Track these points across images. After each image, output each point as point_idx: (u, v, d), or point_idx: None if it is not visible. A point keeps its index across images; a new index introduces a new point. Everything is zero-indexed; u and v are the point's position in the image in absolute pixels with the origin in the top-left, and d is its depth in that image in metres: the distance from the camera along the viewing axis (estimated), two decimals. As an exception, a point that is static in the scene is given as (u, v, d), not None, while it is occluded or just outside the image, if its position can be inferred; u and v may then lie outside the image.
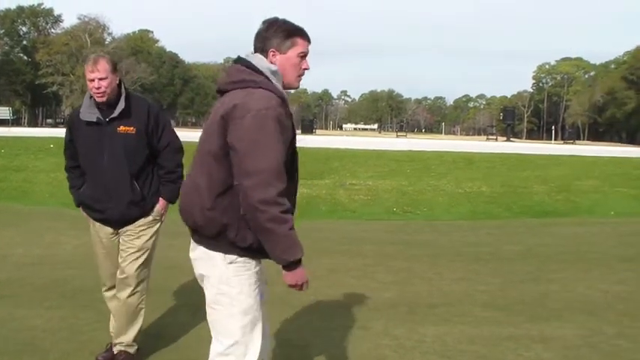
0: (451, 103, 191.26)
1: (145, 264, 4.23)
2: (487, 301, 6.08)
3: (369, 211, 13.18)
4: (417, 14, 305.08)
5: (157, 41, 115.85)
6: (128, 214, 4.12)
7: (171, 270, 6.16)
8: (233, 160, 2.68)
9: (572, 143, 45.03)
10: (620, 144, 64.27)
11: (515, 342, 4.88)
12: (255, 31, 2.93)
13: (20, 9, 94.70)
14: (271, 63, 2.84)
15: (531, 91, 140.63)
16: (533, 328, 5.24)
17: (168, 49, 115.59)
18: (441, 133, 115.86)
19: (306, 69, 2.96)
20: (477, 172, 18.17)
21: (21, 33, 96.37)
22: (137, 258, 4.18)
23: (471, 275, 7.21)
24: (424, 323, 5.35)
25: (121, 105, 4.05)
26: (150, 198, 4.17)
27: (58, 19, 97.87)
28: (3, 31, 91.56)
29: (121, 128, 4.04)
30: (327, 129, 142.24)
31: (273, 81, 2.81)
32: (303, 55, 2.92)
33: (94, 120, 4.04)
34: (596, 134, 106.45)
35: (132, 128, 4.06)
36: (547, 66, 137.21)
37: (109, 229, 4.20)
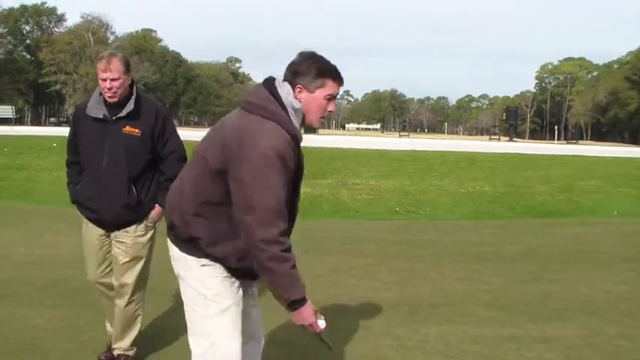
0: (454, 103, 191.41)
1: (142, 272, 4.16)
2: (489, 301, 6.07)
3: (371, 211, 13.16)
4: (420, 14, 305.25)
5: (160, 40, 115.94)
6: (122, 217, 4.02)
7: (171, 273, 6.16)
8: (234, 192, 2.65)
9: (575, 143, 45.01)
10: (622, 144, 64.24)
11: (518, 342, 4.88)
12: (291, 60, 2.84)
13: (23, 8, 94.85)
14: (296, 98, 2.77)
15: (534, 91, 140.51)
16: (535, 328, 5.23)
17: (171, 49, 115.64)
18: (444, 133, 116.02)
19: (331, 111, 2.89)
20: (480, 172, 18.14)
21: (24, 32, 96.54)
22: (134, 267, 4.11)
23: (473, 275, 7.20)
24: (426, 323, 5.35)
25: (130, 106, 3.98)
26: (146, 204, 4.08)
27: (61, 18, 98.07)
28: (6, 30, 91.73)
29: (127, 129, 3.97)
30: (329, 129, 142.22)
31: (293, 118, 2.75)
32: (331, 98, 2.84)
33: (101, 117, 3.98)
34: (599, 134, 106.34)
35: (137, 130, 3.97)
36: (550, 66, 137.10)
37: (101, 230, 4.12)
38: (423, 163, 19.72)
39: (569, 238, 10.38)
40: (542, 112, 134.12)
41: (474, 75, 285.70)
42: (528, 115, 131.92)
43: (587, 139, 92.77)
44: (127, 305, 4.15)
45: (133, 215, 4.04)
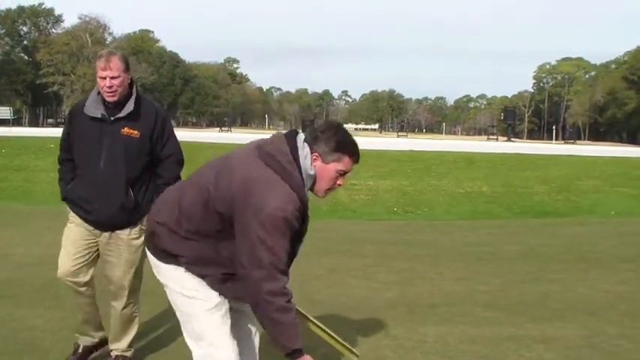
0: (452, 103, 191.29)
1: (137, 274, 4.10)
2: (488, 301, 6.07)
3: (369, 211, 13.17)
4: (418, 14, 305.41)
5: (158, 41, 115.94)
6: (117, 219, 3.94)
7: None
8: (240, 243, 2.69)
9: (573, 143, 45.04)
10: (620, 144, 64.29)
11: (517, 342, 4.88)
12: (318, 125, 2.88)
13: (21, 9, 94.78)
14: (311, 165, 2.78)
15: (532, 91, 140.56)
16: (534, 328, 5.23)
17: (168, 49, 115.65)
18: (442, 133, 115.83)
19: (340, 185, 2.90)
20: (478, 172, 18.15)
21: (22, 33, 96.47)
22: (128, 271, 4.05)
23: (471, 275, 7.20)
24: (425, 323, 5.35)
25: (130, 106, 3.90)
26: (143, 207, 3.96)
27: (58, 19, 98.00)
28: (4, 31, 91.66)
29: (125, 130, 3.89)
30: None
31: (305, 182, 2.77)
32: (343, 173, 2.85)
33: (99, 116, 3.89)
34: (597, 134, 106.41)
35: (136, 132, 3.90)
36: (548, 66, 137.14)
37: (90, 228, 4.00)
38: (421, 163, 19.72)
39: (567, 238, 10.39)
40: (540, 112, 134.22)
41: (472, 75, 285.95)
42: (526, 115, 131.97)
43: (584, 139, 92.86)
44: (124, 308, 4.13)
45: (128, 218, 3.97)
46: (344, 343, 3.15)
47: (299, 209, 2.70)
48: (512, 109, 52.70)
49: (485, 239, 10.17)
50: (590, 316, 5.61)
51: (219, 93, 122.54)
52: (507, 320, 5.48)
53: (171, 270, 2.86)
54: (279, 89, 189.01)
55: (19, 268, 6.98)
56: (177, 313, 2.93)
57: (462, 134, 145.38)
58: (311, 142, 2.79)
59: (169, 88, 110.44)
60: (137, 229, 4.02)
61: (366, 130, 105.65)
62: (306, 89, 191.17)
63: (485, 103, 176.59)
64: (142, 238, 3.97)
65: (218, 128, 56.09)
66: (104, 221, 3.95)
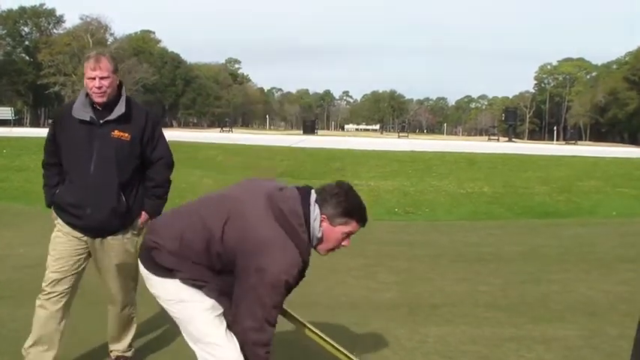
0: (453, 103, 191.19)
1: (132, 277, 4.06)
2: (489, 302, 6.08)
3: (370, 212, 12.90)
4: (419, 14, 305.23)
5: (159, 42, 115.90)
6: (108, 224, 3.87)
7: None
8: (237, 290, 2.76)
9: (574, 144, 45.00)
10: (622, 144, 64.20)
11: (517, 342, 4.88)
12: (329, 185, 2.92)
13: (22, 9, 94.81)
14: (320, 226, 2.84)
15: (533, 91, 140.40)
16: (534, 328, 5.24)
17: (170, 50, 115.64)
18: (443, 133, 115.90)
19: (344, 245, 2.97)
20: (479, 173, 18.15)
21: (23, 33, 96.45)
22: (123, 275, 4.02)
23: (472, 276, 7.21)
24: (426, 324, 5.35)
25: (121, 108, 3.82)
26: (134, 211, 3.95)
27: (60, 20, 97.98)
28: (5, 31, 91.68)
29: (116, 133, 3.81)
30: (328, 129, 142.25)
31: (311, 243, 2.85)
32: (349, 234, 2.92)
33: (87, 119, 3.80)
34: (598, 135, 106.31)
35: (127, 135, 3.83)
36: (549, 66, 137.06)
37: (79, 234, 3.91)
38: (422, 163, 19.73)
39: (568, 238, 10.39)
40: (541, 112, 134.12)
41: (473, 76, 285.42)
42: (527, 116, 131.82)
43: (586, 140, 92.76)
44: (122, 310, 4.13)
45: (120, 223, 3.90)
46: (344, 351, 3.16)
47: (301, 271, 2.78)
48: (513, 110, 52.57)
49: (486, 240, 10.17)
50: (590, 316, 5.61)
51: (220, 93, 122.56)
52: (508, 321, 5.48)
53: (164, 282, 2.88)
54: (280, 90, 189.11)
55: (20, 269, 6.98)
56: (177, 322, 2.96)
57: (463, 135, 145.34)
58: (321, 203, 2.84)
59: (171, 89, 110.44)
60: (129, 234, 3.97)
61: (367, 130, 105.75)
62: (307, 90, 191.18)
63: (486, 103, 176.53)
64: (135, 242, 3.98)
65: (219, 129, 56.02)
66: (95, 226, 3.87)
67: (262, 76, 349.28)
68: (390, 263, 7.75)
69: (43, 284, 3.96)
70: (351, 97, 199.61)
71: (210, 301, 2.86)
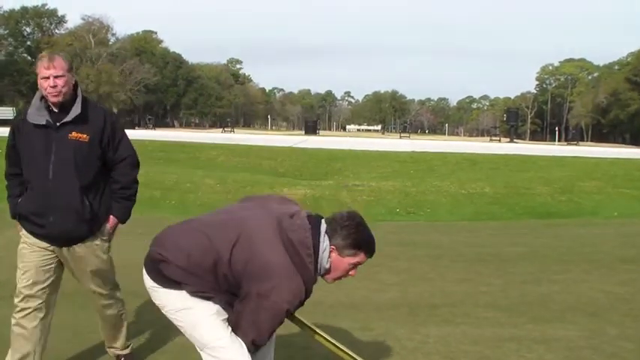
0: (454, 104, 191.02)
1: (109, 281, 3.98)
2: (489, 302, 6.08)
3: (372, 212, 13.17)
4: (420, 15, 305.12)
5: (161, 42, 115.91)
6: (74, 231, 3.71)
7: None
8: (240, 313, 2.79)
9: (576, 144, 45.02)
10: (623, 145, 64.20)
11: (518, 343, 4.88)
12: (339, 215, 2.94)
13: (24, 9, 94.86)
14: (328, 257, 2.87)
15: (535, 92, 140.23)
16: (535, 329, 5.24)
17: (172, 50, 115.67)
18: (445, 134, 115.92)
19: (351, 275, 3.00)
20: (480, 173, 18.17)
21: (25, 33, 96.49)
22: (99, 280, 3.92)
23: (473, 276, 7.21)
24: (426, 324, 5.36)
25: (77, 109, 3.67)
26: (101, 216, 3.80)
27: (62, 20, 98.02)
28: (7, 31, 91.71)
29: (73, 134, 3.65)
30: (330, 130, 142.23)
31: (317, 273, 2.89)
32: (356, 265, 2.95)
33: (43, 123, 3.65)
34: (600, 135, 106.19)
35: (85, 136, 3.67)
36: (550, 67, 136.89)
37: (44, 244, 3.77)
38: (423, 164, 19.75)
39: (569, 239, 10.39)
40: (543, 113, 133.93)
41: (475, 76, 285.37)
42: (529, 116, 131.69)
43: (587, 141, 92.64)
44: (107, 313, 4.07)
45: (86, 229, 3.75)
46: (352, 354, 3.19)
47: (302, 300, 2.82)
48: (514, 110, 52.58)
49: (487, 240, 10.17)
50: (591, 317, 5.62)
51: (222, 94, 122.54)
52: (508, 321, 5.48)
53: (170, 292, 2.89)
54: (282, 90, 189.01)
55: (22, 269, 6.98)
56: (182, 330, 2.96)
57: (464, 135, 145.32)
58: (331, 233, 2.86)
59: (172, 89, 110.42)
60: (98, 240, 3.84)
61: (369, 131, 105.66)
62: (308, 90, 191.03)
63: (487, 104, 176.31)
64: (104, 248, 3.90)
65: (221, 129, 56.04)
66: (59, 235, 3.72)
67: (264, 77, 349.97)
68: (391, 263, 7.75)
69: (15, 299, 3.82)
70: (352, 97, 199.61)
71: (215, 307, 2.87)
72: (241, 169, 19.15)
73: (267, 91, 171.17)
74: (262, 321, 2.73)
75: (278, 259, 2.74)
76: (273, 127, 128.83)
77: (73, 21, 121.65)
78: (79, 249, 3.79)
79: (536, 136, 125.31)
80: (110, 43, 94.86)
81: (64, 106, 3.68)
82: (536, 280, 7.02)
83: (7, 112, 48.98)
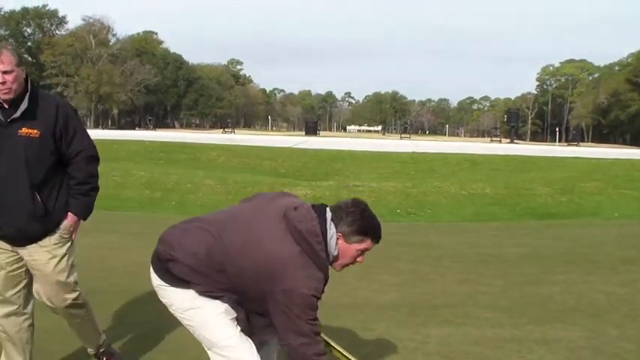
0: (455, 105, 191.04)
1: (67, 283, 3.74)
2: (490, 303, 6.08)
3: (372, 213, 13.18)
4: (421, 15, 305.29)
5: (162, 42, 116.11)
6: (28, 230, 3.56)
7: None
8: (275, 318, 2.79)
9: (576, 145, 44.97)
10: (624, 146, 64.17)
11: (519, 344, 4.89)
12: (344, 203, 2.96)
13: (25, 10, 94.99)
14: (336, 245, 2.88)
15: (535, 93, 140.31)
16: (536, 329, 5.24)
17: (172, 51, 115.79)
18: (445, 134, 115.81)
19: (358, 262, 3.01)
20: (481, 174, 18.17)
21: (26, 34, 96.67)
22: (57, 283, 3.69)
23: (473, 277, 7.21)
24: (427, 324, 5.36)
25: (25, 104, 3.49)
26: (56, 212, 3.62)
27: (62, 21, 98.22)
28: (8, 32, 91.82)
29: (23, 131, 3.49)
30: (331, 130, 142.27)
31: (329, 261, 2.89)
32: (363, 251, 2.96)
33: None
34: (600, 136, 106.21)
35: (35, 131, 3.50)
36: (551, 68, 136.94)
37: (6, 245, 3.62)
38: (424, 165, 19.76)
39: (570, 239, 10.39)
40: (544, 113, 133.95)
41: (476, 77, 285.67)
42: (529, 117, 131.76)
43: (588, 141, 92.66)
44: (70, 316, 3.89)
45: (41, 227, 3.59)
46: (347, 355, 3.19)
47: (324, 286, 2.83)
48: (515, 111, 52.56)
49: (488, 241, 10.17)
50: (592, 317, 5.62)
51: (222, 94, 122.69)
52: (509, 322, 5.49)
53: (178, 292, 2.89)
54: (282, 91, 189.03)
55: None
56: (190, 330, 2.96)
57: (465, 136, 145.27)
58: (336, 221, 2.88)
59: (173, 90, 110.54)
60: (56, 237, 3.67)
61: (370, 131, 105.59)
62: (309, 91, 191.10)
63: (488, 104, 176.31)
64: (65, 247, 3.73)
65: (221, 130, 56.05)
66: (14, 235, 3.58)
67: (264, 77, 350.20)
68: (392, 264, 7.75)
69: None
70: (353, 98, 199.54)
71: (223, 305, 2.86)
72: (242, 170, 19.16)
73: (267, 91, 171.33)
74: (300, 314, 2.73)
75: (290, 252, 2.75)
76: (274, 128, 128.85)
77: (73, 22, 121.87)
78: (34, 248, 3.63)
79: (537, 136, 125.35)
80: (111, 43, 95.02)
81: (15, 102, 3.51)
82: (537, 281, 7.02)
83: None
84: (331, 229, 2.85)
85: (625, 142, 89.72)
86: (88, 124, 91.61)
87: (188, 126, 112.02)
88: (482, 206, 14.20)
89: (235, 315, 2.89)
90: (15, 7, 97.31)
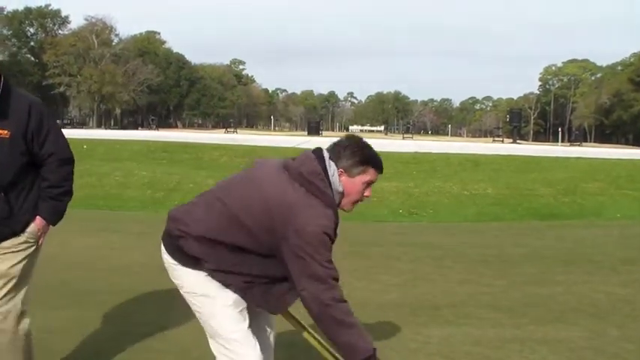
0: (457, 105, 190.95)
1: (11, 293, 3.43)
2: (491, 303, 6.09)
3: (374, 213, 13.17)
4: (423, 15, 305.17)
5: (164, 42, 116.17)
6: None
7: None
8: (291, 267, 2.74)
9: (579, 145, 44.95)
10: (626, 146, 64.09)
11: (520, 344, 4.89)
12: (338, 141, 2.94)
13: (28, 10, 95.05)
14: (339, 181, 2.87)
15: (538, 92, 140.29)
16: (537, 330, 5.25)
17: (175, 51, 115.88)
18: (448, 135, 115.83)
19: (367, 196, 2.99)
20: (483, 174, 18.16)
21: (28, 34, 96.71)
22: (10, 286, 3.42)
23: (475, 277, 7.22)
24: (428, 325, 5.36)
25: None
26: (21, 215, 3.45)
27: (65, 20, 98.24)
28: (11, 32, 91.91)
29: None
30: (333, 130, 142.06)
31: (335, 198, 2.86)
32: (369, 184, 2.95)
33: None
34: (603, 136, 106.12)
35: (5, 131, 3.34)
36: (553, 68, 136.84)
37: None
38: (426, 165, 19.76)
39: (572, 240, 10.39)
40: (546, 114, 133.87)
41: (478, 77, 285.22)
42: (532, 117, 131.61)
43: (590, 141, 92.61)
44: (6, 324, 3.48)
45: (9, 228, 3.43)
46: (336, 354, 3.16)
47: (335, 225, 2.80)
48: (517, 111, 52.49)
49: (490, 241, 10.17)
50: (593, 318, 5.62)
51: (224, 94, 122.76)
52: (511, 322, 5.49)
53: (189, 273, 2.86)
54: (285, 90, 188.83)
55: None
56: (197, 315, 2.94)
57: (467, 136, 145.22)
58: (335, 159, 2.87)
59: (175, 90, 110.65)
60: (20, 240, 3.48)
61: (372, 131, 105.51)
62: (311, 91, 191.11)
63: (490, 104, 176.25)
64: (26, 252, 3.52)
65: (224, 129, 56.06)
66: None
67: (267, 77, 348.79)
68: (393, 264, 7.77)
69: None
70: (355, 98, 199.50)
71: (234, 296, 2.84)
72: (244, 170, 19.17)
73: (270, 91, 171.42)
74: (313, 253, 2.70)
75: (296, 194, 2.75)
76: (276, 128, 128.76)
77: (76, 21, 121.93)
78: (3, 246, 3.45)
79: (539, 136, 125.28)
80: (113, 43, 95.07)
81: None
82: (539, 281, 7.03)
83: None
84: (332, 167, 2.84)
85: (628, 143, 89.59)
86: (91, 123, 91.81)
87: (190, 126, 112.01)
88: (484, 206, 14.20)
89: (245, 305, 2.88)
90: (18, 7, 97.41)
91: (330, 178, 2.83)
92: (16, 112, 3.38)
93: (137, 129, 68.87)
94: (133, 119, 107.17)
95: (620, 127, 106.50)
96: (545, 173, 18.39)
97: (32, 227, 3.50)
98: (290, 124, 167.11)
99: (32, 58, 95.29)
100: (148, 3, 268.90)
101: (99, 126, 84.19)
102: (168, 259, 2.93)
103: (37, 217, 3.51)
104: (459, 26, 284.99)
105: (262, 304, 2.89)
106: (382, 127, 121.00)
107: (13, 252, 3.44)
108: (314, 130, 48.31)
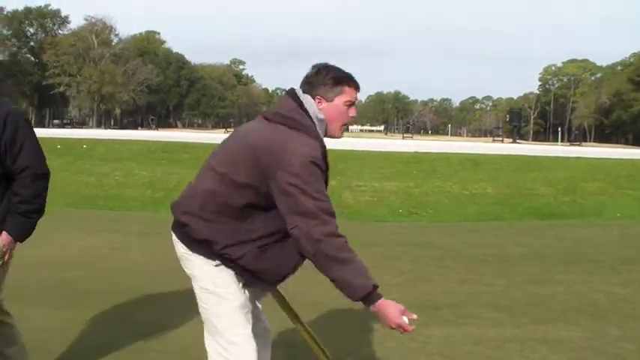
0: (457, 104, 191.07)
1: None
2: (492, 303, 6.08)
3: (374, 213, 13.19)
4: (423, 15, 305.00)
5: (164, 42, 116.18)
6: None
7: (178, 272, 6.18)
8: (283, 203, 2.67)
9: (579, 145, 44.92)
10: (626, 146, 64.06)
11: (521, 343, 4.89)
12: (306, 74, 2.91)
13: (28, 10, 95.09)
14: (319, 109, 2.84)
15: (538, 92, 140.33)
16: (537, 329, 5.25)
17: (174, 51, 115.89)
18: (447, 134, 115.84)
19: (353, 117, 2.94)
20: (483, 174, 18.16)
21: (28, 34, 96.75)
22: None
23: (475, 277, 7.21)
24: (429, 325, 5.35)
25: None
26: None
27: (65, 20, 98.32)
28: (11, 32, 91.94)
29: None
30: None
31: (318, 129, 2.82)
32: (350, 104, 2.90)
33: None
34: (603, 136, 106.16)
35: None
36: (553, 67, 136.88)
37: None
38: (426, 164, 19.75)
39: (572, 239, 10.39)
40: (546, 113, 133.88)
41: (478, 77, 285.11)
42: (532, 117, 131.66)
43: (590, 141, 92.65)
44: None
45: None
46: (323, 348, 3.15)
47: (322, 154, 2.74)
48: (517, 111, 52.41)
49: (490, 241, 10.17)
50: (593, 318, 5.62)
51: (224, 94, 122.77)
52: (511, 321, 5.49)
53: (202, 263, 2.83)
54: (285, 90, 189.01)
55: (24, 269, 6.98)
56: (201, 309, 2.90)
57: (467, 136, 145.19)
58: (309, 90, 2.85)
59: (175, 90, 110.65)
60: None
61: (372, 131, 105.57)
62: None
63: (490, 104, 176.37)
64: None
65: (224, 129, 55.99)
66: None
67: (267, 77, 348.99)
68: (393, 264, 7.76)
69: None
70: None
71: (241, 298, 2.83)
72: (244, 170, 19.15)
73: (270, 91, 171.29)
74: (305, 185, 2.64)
75: (277, 132, 2.73)
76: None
77: (76, 21, 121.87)
78: None
79: (539, 136, 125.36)
80: (113, 43, 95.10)
81: None
82: (539, 281, 7.03)
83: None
84: (306, 98, 2.83)
85: (627, 142, 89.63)
86: (91, 123, 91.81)
87: (190, 126, 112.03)
88: (484, 206, 14.20)
89: (251, 307, 2.87)
90: (18, 7, 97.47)
91: (309, 110, 2.81)
92: None
93: (137, 129, 68.87)
94: (132, 119, 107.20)
95: (619, 127, 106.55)
96: (545, 173, 18.38)
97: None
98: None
99: (32, 58, 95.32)
100: (148, 3, 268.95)
101: (99, 126, 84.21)
102: (180, 249, 2.90)
103: (4, 232, 3.35)
104: (459, 26, 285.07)
105: (276, 270, 2.81)
106: (382, 127, 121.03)
107: None
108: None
